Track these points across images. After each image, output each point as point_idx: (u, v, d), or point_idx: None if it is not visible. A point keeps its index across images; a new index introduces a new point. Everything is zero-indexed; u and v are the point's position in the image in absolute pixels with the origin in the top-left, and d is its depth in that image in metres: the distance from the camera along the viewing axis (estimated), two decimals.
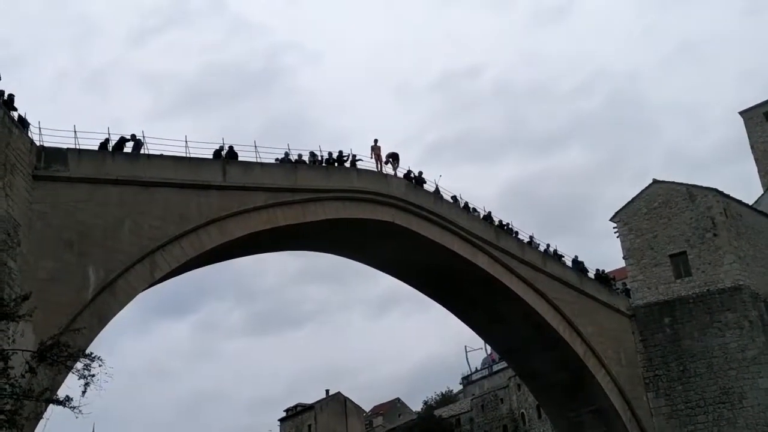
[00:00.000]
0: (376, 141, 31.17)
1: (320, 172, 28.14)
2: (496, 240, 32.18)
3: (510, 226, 33.78)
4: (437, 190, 31.94)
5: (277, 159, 27.36)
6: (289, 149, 27.89)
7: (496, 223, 33.29)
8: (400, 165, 31.12)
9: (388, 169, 30.74)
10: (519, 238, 33.58)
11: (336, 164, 29.17)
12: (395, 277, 33.35)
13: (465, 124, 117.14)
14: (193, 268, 25.40)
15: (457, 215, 31.53)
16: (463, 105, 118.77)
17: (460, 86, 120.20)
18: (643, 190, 36.65)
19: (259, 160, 26.37)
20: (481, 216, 32.96)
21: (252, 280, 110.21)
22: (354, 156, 29.75)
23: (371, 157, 30.47)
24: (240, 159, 26.07)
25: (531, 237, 34.14)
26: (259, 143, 27.63)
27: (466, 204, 32.94)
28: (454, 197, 32.59)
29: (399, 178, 30.71)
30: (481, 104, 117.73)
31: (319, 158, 28.87)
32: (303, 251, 32.28)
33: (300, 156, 28.31)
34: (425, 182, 31.70)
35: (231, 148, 26.13)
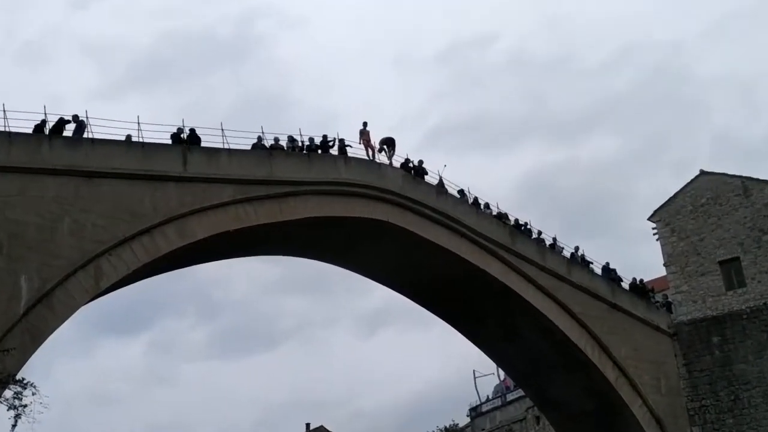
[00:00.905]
0: (365, 125, 31.23)
1: (300, 161, 28.34)
2: (512, 243, 32.42)
3: (528, 227, 34.02)
4: (441, 183, 32.13)
5: (250, 146, 27.62)
6: (263, 133, 27.97)
7: (512, 222, 33.55)
8: (396, 153, 31.41)
9: (382, 158, 31.02)
10: (539, 241, 33.79)
11: (320, 151, 29.27)
12: (390, 287, 33.80)
13: (474, 105, 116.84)
14: (147, 277, 25.67)
15: (464, 213, 31.80)
16: (473, 81, 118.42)
17: (469, 58, 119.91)
18: (687, 184, 36.81)
19: (226, 146, 26.49)
20: (494, 214, 33.22)
21: (218, 292, 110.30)
22: (342, 141, 29.88)
23: (360, 143, 30.63)
24: (204, 145, 26.26)
25: (554, 239, 34.35)
26: (228, 126, 27.48)
27: (476, 200, 33.17)
28: (461, 191, 32.84)
29: (395, 168, 30.89)
30: (494, 80, 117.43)
31: (300, 144, 28.96)
32: (279, 256, 32.68)
33: (276, 141, 28.38)
34: (426, 173, 31.85)
35: (193, 131, 26.25)
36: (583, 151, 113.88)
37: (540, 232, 34.13)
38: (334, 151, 29.82)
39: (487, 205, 33.39)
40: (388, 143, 31.47)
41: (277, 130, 33.36)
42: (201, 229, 25.10)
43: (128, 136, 24.53)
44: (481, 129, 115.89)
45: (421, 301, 34.21)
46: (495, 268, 31.67)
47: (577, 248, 35.12)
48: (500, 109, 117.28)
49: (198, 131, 26.34)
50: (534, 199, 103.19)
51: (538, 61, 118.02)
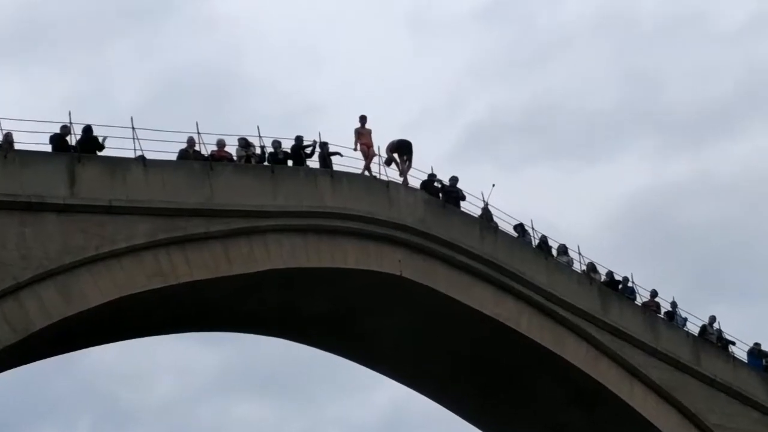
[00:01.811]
0: (363, 121, 31.21)
1: (260, 180, 28.45)
2: (603, 312, 32.53)
3: (629, 284, 33.91)
4: (487, 214, 32.10)
5: (177, 154, 27.83)
6: (198, 133, 28.02)
7: (603, 278, 33.37)
8: (413, 165, 31.41)
9: (391, 173, 31.18)
10: (647, 308, 33.72)
11: (290, 162, 29.43)
12: (402, 381, 33.89)
13: (542, 88, 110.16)
14: (14, 367, 25.78)
15: (526, 263, 31.86)
16: (538, 51, 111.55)
17: (531, 14, 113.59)
18: None
19: (139, 154, 26.71)
20: (572, 263, 33.17)
21: (128, 393, 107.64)
22: (324, 146, 29.96)
23: (356, 149, 30.75)
24: (104, 153, 26.55)
25: (672, 306, 34.08)
26: (142, 122, 27.26)
27: (544, 241, 33.06)
28: (519, 227, 32.74)
29: (413, 189, 31.04)
30: (574, 50, 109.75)
31: (259, 151, 29.16)
32: (226, 334, 33.10)
33: (221, 146, 28.50)
34: (463, 198, 31.88)
35: (88, 131, 26.43)
36: (719, 164, 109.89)
37: (654, 294, 34.21)
38: (314, 162, 29.74)
39: (563, 250, 33.46)
40: (401, 150, 31.34)
41: (221, 128, 32.68)
42: (98, 290, 25.11)
43: None
44: (553, 128, 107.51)
45: (451, 403, 34.33)
46: (575, 352, 31.88)
47: (712, 320, 35.30)
48: (584, 96, 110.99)
49: (95, 131, 26.58)
50: (639, 239, 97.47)
51: (647, 21, 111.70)
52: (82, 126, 26.45)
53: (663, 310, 34.48)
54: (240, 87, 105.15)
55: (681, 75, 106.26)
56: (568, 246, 33.70)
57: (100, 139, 26.62)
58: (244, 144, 28.94)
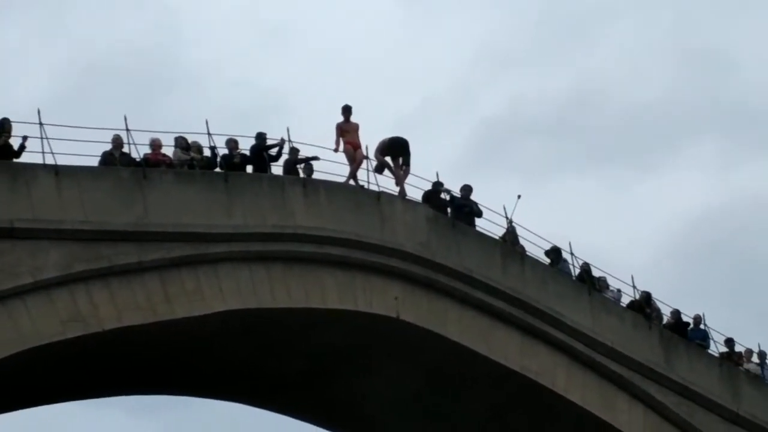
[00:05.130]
0: (347, 112, 31.36)
1: (209, 191, 28.45)
2: (668, 366, 32.51)
3: (702, 325, 34.28)
4: (512, 235, 32.13)
5: (99, 158, 28.03)
6: (127, 130, 28.06)
7: (667, 320, 33.68)
8: (411, 170, 31.52)
9: (383, 181, 31.23)
10: (727, 359, 33.88)
11: (250, 168, 29.63)
12: None
13: (572, 72, 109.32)
14: None
15: (562, 299, 31.75)
16: (572, 27, 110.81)
17: None
18: None
19: (49, 156, 26.74)
20: (619, 298, 33.42)
21: None
22: (295, 152, 30.24)
23: (337, 150, 30.88)
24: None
25: (761, 357, 34.37)
26: (53, 116, 27.38)
27: (587, 270, 33.11)
28: (554, 252, 32.80)
29: (412, 203, 31.14)
30: (617, 22, 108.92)
31: (207, 153, 29.37)
32: (163, 398, 33.60)
33: (155, 147, 28.61)
34: (479, 215, 31.84)
35: None
36: None
37: (730, 342, 34.33)
38: (278, 168, 29.98)
39: (604, 284, 33.44)
40: (396, 151, 31.43)
41: (157, 124, 33.26)
42: None
43: None
44: (592, 126, 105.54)
45: None
46: (629, 418, 31.76)
47: None
48: (632, 85, 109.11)
49: None
50: (709, 268, 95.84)
51: None
52: None
53: (750, 363, 34.47)
54: (180, 72, 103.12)
55: (755, 57, 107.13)
56: (617, 277, 33.63)
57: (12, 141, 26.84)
58: (186, 145, 28.92)
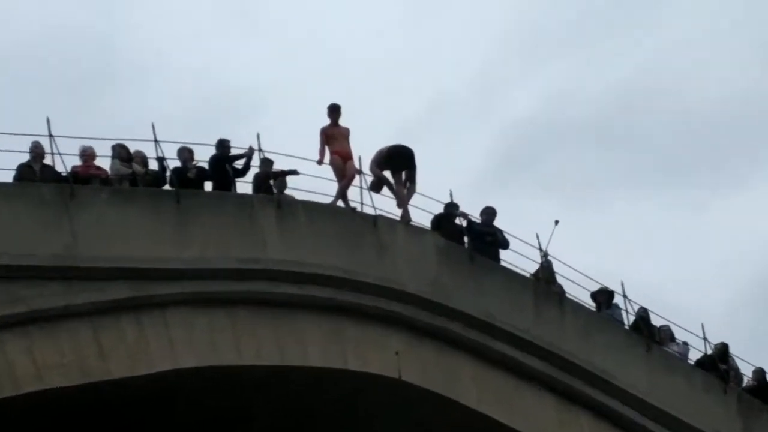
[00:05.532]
0: (334, 113, 29.71)
1: (156, 214, 26.55)
2: None
3: None
4: (547, 273, 30.39)
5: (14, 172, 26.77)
6: (51, 136, 26.45)
7: (746, 380, 32.63)
8: (416, 188, 29.93)
9: (383, 201, 29.23)
10: None
11: (210, 186, 28.37)
12: None
13: (620, 67, 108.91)
14: None
15: (611, 357, 29.97)
16: (619, 12, 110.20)
17: None
18: None
19: None
20: (686, 353, 32.10)
21: None
22: (267, 164, 28.95)
23: (321, 162, 29.35)
24: None
25: None
26: None
27: (645, 319, 31.25)
28: (603, 295, 31.17)
29: (419, 230, 29.33)
30: (677, 5, 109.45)
31: (155, 166, 28.03)
32: None
33: (87, 156, 27.07)
34: (505, 246, 30.17)
35: None
36: None
37: None
38: (246, 185, 28.56)
39: (668, 338, 32.13)
40: (398, 164, 29.64)
41: (89, 128, 31.30)
42: None
43: None
44: (646, 134, 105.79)
45: None
46: None
47: None
48: (696, 82, 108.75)
49: None
50: None
51: None
52: None
53: None
54: (121, 62, 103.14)
55: None
56: (684, 327, 31.98)
57: None
58: (127, 156, 27.02)
